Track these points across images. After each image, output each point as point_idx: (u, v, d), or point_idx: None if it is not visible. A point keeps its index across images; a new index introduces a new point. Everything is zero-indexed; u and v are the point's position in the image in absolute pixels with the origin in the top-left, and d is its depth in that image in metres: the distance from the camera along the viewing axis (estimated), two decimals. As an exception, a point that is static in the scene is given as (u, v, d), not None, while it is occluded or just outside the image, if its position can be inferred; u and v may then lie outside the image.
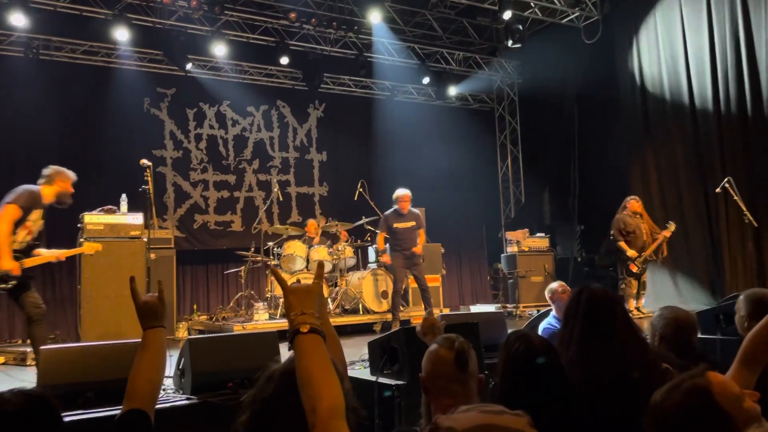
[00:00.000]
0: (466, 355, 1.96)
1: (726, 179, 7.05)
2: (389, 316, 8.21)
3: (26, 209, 5.09)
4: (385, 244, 8.01)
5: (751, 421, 1.38)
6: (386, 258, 7.95)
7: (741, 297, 2.96)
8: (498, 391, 2.14)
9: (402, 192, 7.67)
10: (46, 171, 5.33)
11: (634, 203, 7.99)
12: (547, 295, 4.65)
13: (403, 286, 7.85)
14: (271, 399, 1.48)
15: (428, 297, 7.74)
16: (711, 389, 1.40)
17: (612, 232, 7.95)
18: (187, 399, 3.55)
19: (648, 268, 8.21)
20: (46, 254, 5.38)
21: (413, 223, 7.66)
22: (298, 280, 1.71)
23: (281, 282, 1.58)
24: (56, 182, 5.29)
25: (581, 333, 2.22)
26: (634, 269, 7.78)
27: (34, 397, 1.62)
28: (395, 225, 7.58)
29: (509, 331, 5.05)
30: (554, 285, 4.60)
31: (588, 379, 2.02)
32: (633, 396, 1.96)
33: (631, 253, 7.70)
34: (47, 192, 5.27)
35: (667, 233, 7.90)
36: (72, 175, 5.43)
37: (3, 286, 5.05)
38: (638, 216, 7.97)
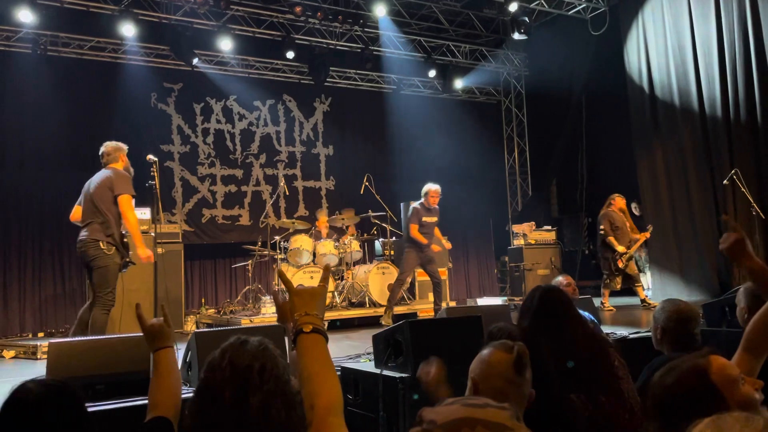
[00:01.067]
0: (525, 359, 1.93)
1: (733, 171, 7.03)
2: (397, 309, 8.24)
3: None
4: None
5: (747, 406, 1.39)
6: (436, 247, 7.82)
7: (741, 289, 2.97)
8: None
9: (433, 187, 7.49)
10: (107, 149, 5.35)
11: (619, 200, 8.09)
12: None
13: (408, 280, 7.81)
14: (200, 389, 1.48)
15: (440, 291, 7.66)
16: (709, 370, 1.41)
17: (602, 227, 8.01)
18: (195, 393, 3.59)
19: (652, 260, 8.22)
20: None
21: (436, 219, 7.63)
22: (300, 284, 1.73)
23: (287, 284, 1.61)
24: (121, 157, 5.36)
25: (529, 327, 2.44)
26: (621, 264, 7.84)
27: (56, 386, 1.66)
28: (424, 218, 7.49)
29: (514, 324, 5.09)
30: (559, 278, 4.62)
31: (536, 370, 2.04)
32: (573, 387, 2.15)
33: (621, 248, 7.76)
34: (122, 168, 5.33)
35: (646, 234, 8.10)
36: (124, 146, 5.49)
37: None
38: (622, 213, 8.06)
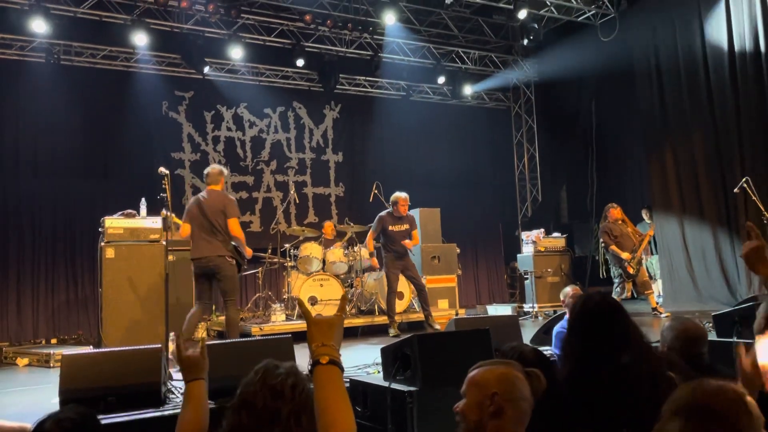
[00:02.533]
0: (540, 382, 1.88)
1: (744, 179, 6.99)
2: (405, 317, 8.25)
3: None
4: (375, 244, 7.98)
5: None
6: (375, 262, 8.22)
7: (764, 304, 2.92)
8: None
9: (401, 195, 7.62)
10: (212, 171, 6.05)
11: (613, 211, 8.11)
12: (561, 298, 4.67)
13: (398, 284, 7.83)
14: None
15: (425, 297, 7.63)
16: (744, 397, 1.40)
17: (602, 240, 8.08)
18: (204, 404, 3.62)
19: (662, 267, 8.20)
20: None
21: (407, 227, 7.63)
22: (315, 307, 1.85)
23: (306, 314, 1.67)
24: (221, 181, 6.05)
25: (581, 349, 2.20)
26: (631, 270, 7.86)
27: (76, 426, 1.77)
28: (390, 227, 7.56)
29: (523, 334, 5.09)
30: (567, 289, 4.62)
31: (590, 403, 2.01)
32: (638, 411, 1.97)
33: (625, 255, 7.81)
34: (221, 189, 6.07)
35: (650, 232, 8.20)
36: (223, 169, 6.21)
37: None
38: (620, 222, 8.08)
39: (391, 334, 7.40)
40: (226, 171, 6.26)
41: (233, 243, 5.93)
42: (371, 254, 8.07)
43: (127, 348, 4.03)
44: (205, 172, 6.10)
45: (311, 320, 1.63)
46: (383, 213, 7.67)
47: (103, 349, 4.56)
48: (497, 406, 1.70)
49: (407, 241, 7.55)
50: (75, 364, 3.67)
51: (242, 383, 1.71)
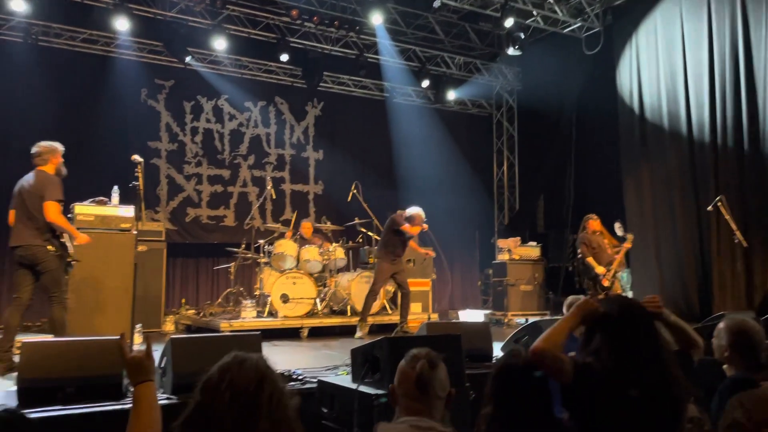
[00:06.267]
0: (425, 379, 2.04)
1: (718, 198, 7.08)
2: (378, 319, 8.21)
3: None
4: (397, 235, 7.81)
5: None
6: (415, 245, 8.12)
7: (721, 325, 2.94)
8: (484, 402, 2.13)
9: (422, 215, 7.57)
10: (38, 150, 5.29)
11: (592, 222, 8.09)
12: (564, 310, 4.47)
13: (382, 292, 7.79)
14: (192, 414, 1.47)
15: (407, 303, 7.55)
16: None
17: (579, 251, 8.06)
18: (167, 399, 3.54)
19: (634, 281, 8.26)
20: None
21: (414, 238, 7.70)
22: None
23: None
24: (51, 160, 5.29)
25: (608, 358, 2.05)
26: (606, 283, 7.88)
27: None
28: (407, 234, 7.54)
29: (495, 341, 5.07)
30: (572, 299, 4.46)
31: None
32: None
33: (599, 269, 7.77)
34: (51, 171, 5.28)
35: (627, 245, 8.04)
36: (59, 146, 5.42)
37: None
38: (598, 233, 8.09)
39: (356, 336, 7.32)
40: (61, 148, 5.39)
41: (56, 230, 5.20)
42: (398, 257, 7.66)
43: (89, 338, 3.92)
44: (32, 150, 5.29)
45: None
46: (406, 219, 7.56)
47: (64, 338, 4.43)
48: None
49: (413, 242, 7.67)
50: (35, 352, 3.56)
51: (202, 383, 1.47)
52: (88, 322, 6.03)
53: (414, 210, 7.59)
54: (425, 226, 7.62)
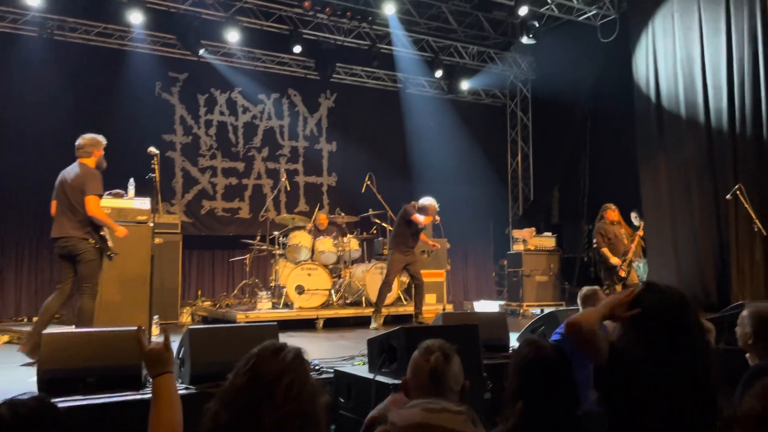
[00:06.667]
0: (439, 372, 2.01)
1: (737, 186, 6.99)
2: (393, 310, 8.22)
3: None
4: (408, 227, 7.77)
5: None
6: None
7: (745, 312, 2.91)
8: (509, 395, 2.13)
9: (435, 206, 7.56)
10: (82, 142, 5.40)
11: (610, 213, 8.02)
12: (579, 301, 4.39)
13: (394, 281, 7.81)
14: (230, 394, 1.45)
15: (421, 294, 7.60)
16: None
17: (595, 241, 8.00)
18: (186, 389, 3.58)
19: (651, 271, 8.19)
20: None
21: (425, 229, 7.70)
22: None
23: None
24: (94, 153, 5.41)
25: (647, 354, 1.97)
26: (622, 274, 7.83)
27: (30, 412, 1.61)
28: (419, 225, 7.54)
29: (510, 332, 5.06)
30: (587, 290, 4.39)
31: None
32: None
33: (614, 261, 7.71)
34: (92, 164, 5.39)
35: (639, 232, 8.06)
36: (102, 139, 5.54)
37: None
38: (616, 224, 8.03)
39: (371, 327, 7.36)
40: (104, 141, 5.50)
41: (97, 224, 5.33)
42: (411, 248, 7.72)
43: (108, 329, 3.96)
44: (76, 142, 5.43)
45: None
46: (419, 211, 7.54)
47: (84, 329, 4.48)
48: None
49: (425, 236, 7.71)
50: (55, 344, 3.61)
51: (236, 366, 1.48)
52: (106, 314, 6.08)
53: (427, 201, 7.56)
54: (437, 218, 7.60)
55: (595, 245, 8.00)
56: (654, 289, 2.08)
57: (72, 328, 4.94)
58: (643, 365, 1.92)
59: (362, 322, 7.76)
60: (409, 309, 8.09)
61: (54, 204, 5.32)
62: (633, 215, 9.87)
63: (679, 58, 8.94)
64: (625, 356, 1.97)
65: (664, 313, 1.98)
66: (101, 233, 5.35)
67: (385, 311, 7.83)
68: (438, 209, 7.59)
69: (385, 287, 7.54)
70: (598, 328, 2.02)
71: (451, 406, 1.32)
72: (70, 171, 5.31)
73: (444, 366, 2.04)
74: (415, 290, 7.66)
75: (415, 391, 2.04)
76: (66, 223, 5.19)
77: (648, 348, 1.94)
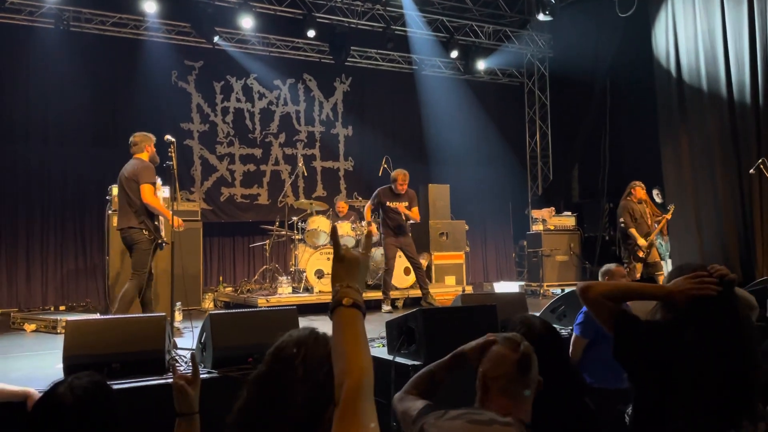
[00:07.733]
0: (530, 359, 1.91)
1: (760, 160, 6.86)
2: (412, 292, 8.24)
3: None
4: (373, 216, 7.99)
5: None
6: (374, 228, 7.98)
7: None
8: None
9: (401, 172, 7.62)
10: (136, 139, 5.80)
11: (639, 190, 7.92)
12: (600, 278, 4.31)
13: (395, 262, 7.86)
14: (263, 378, 1.46)
15: (422, 275, 7.65)
16: None
17: (621, 219, 7.89)
18: (208, 373, 3.63)
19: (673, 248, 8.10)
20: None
21: (406, 204, 7.63)
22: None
23: (336, 245, 1.49)
24: (146, 148, 5.78)
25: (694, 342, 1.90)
26: (641, 254, 7.75)
27: (90, 393, 1.69)
28: (388, 203, 7.57)
29: (531, 312, 5.04)
30: (611, 267, 4.31)
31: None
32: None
33: (641, 242, 7.64)
34: (146, 158, 5.77)
35: (668, 216, 7.94)
36: (152, 136, 5.92)
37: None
38: (643, 202, 7.92)
39: (384, 311, 7.45)
40: (153, 137, 5.87)
41: (152, 213, 5.62)
42: (368, 223, 8.05)
43: (131, 315, 4.03)
44: (129, 140, 5.84)
45: (338, 256, 1.48)
46: (383, 187, 7.70)
47: (107, 316, 4.56)
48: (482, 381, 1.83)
49: (400, 205, 7.50)
50: (80, 331, 3.67)
51: (274, 352, 1.49)
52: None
53: (394, 172, 7.66)
54: (402, 186, 7.52)
55: (622, 224, 7.90)
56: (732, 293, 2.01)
57: (96, 316, 5.03)
58: (675, 340, 1.89)
59: (380, 306, 7.80)
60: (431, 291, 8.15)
61: (115, 198, 5.71)
62: (655, 192, 9.75)
63: (700, 31, 8.75)
64: (653, 326, 1.97)
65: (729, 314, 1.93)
66: (156, 223, 5.66)
67: (401, 294, 8.04)
68: (406, 177, 7.57)
69: (387, 274, 7.68)
70: (609, 296, 2.05)
71: (498, 416, 1.26)
72: (128, 165, 5.68)
73: (533, 354, 1.95)
74: (415, 273, 7.76)
75: (495, 382, 1.90)
76: (124, 216, 5.55)
77: (691, 331, 1.90)
